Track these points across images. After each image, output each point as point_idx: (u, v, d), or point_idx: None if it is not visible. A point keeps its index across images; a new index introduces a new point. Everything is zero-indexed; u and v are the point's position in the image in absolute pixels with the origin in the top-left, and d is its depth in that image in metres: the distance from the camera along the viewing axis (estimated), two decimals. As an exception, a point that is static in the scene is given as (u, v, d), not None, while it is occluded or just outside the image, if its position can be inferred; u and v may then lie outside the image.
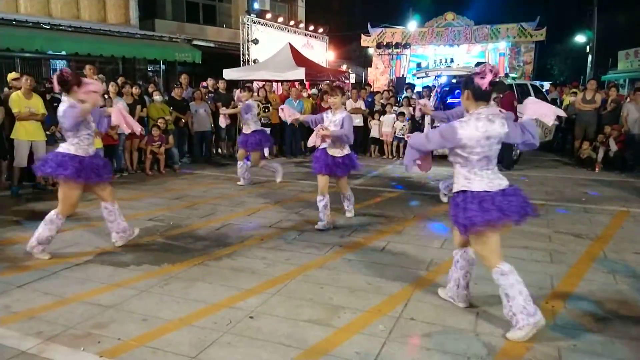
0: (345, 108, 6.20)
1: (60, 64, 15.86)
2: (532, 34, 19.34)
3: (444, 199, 6.46)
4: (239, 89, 10.66)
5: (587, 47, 27.47)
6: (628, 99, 10.09)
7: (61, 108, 4.17)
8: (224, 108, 8.63)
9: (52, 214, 4.33)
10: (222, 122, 8.13)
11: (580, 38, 29.94)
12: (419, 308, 3.39)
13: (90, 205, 6.33)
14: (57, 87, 4.30)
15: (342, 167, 5.39)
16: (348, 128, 5.18)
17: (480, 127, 2.93)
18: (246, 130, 7.58)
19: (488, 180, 3.00)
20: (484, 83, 2.93)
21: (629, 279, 3.93)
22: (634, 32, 24.37)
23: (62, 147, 4.31)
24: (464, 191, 3.02)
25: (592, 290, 3.69)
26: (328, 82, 13.82)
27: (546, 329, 3.07)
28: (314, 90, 13.03)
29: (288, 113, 5.74)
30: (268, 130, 10.79)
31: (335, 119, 5.26)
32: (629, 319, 3.23)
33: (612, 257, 4.48)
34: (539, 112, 3.24)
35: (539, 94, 11.75)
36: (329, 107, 5.50)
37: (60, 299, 3.50)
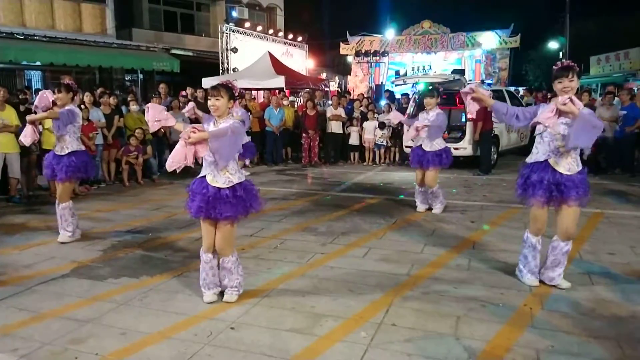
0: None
1: (35, 75, 15.61)
2: (506, 41, 19.76)
3: (421, 209, 6.53)
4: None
5: (560, 53, 28.19)
6: (601, 103, 10.37)
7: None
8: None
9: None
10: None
11: (553, 44, 30.73)
12: (400, 313, 3.41)
13: (67, 218, 6.21)
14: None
15: (432, 161, 6.17)
16: (441, 121, 6.17)
17: None
18: None
19: None
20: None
21: (604, 279, 4.02)
22: (605, 38, 25.14)
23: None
24: None
25: (568, 291, 3.76)
26: (308, 89, 13.89)
27: (525, 330, 3.13)
28: (292, 98, 13.07)
29: (394, 115, 6.93)
30: (249, 138, 10.78)
31: (430, 117, 6.19)
32: (605, 319, 3.31)
33: (587, 258, 4.58)
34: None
35: (514, 100, 12.00)
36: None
37: (36, 314, 3.41)
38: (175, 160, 3.27)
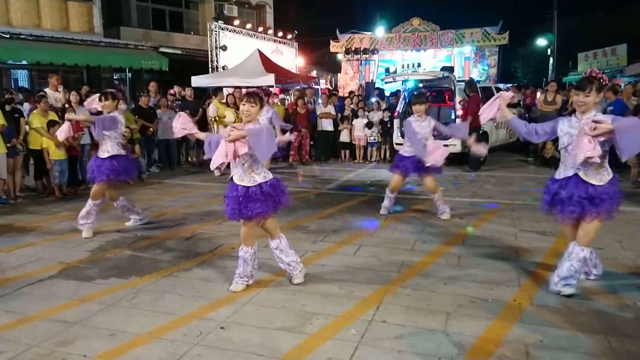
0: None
1: (22, 74, 15.43)
2: (495, 38, 19.86)
3: (383, 212, 6.24)
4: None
5: (549, 50, 28.43)
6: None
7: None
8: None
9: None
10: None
11: (541, 41, 30.97)
12: (391, 310, 3.41)
13: (53, 219, 6.16)
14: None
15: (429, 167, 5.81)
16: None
17: None
18: None
19: None
20: None
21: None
22: (592, 34, 25.37)
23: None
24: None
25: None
26: (299, 88, 13.86)
27: (514, 326, 3.15)
28: (282, 96, 13.03)
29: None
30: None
31: (424, 125, 5.85)
32: (592, 313, 3.34)
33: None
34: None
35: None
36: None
37: (23, 316, 3.37)
38: (217, 157, 3.53)
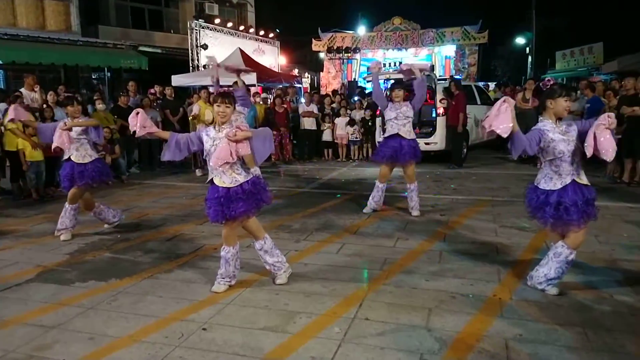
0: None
1: (-4, 73, 15.07)
2: (475, 37, 20.08)
3: (367, 210, 6.25)
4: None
5: (527, 49, 28.86)
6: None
7: None
8: None
9: None
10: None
11: (520, 40, 31.43)
12: (373, 308, 3.43)
13: (30, 222, 6.03)
14: None
15: (408, 152, 5.89)
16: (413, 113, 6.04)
17: None
18: None
19: None
20: None
21: (569, 268, 4.12)
22: (570, 33, 25.84)
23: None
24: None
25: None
26: (281, 86, 13.82)
27: (494, 320, 3.19)
28: (265, 95, 12.97)
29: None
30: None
31: (402, 110, 5.94)
32: (571, 307, 3.40)
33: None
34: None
35: (483, 95, 12.22)
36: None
37: (-1, 322, 3.30)
38: (220, 157, 3.51)
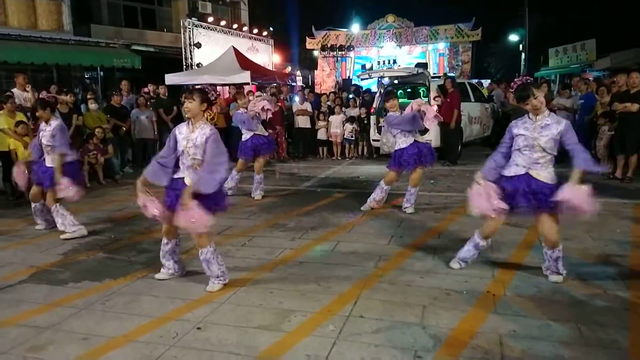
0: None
1: (-12, 73, 14.94)
2: (468, 34, 20.12)
3: (365, 208, 6.25)
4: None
5: (520, 46, 28.95)
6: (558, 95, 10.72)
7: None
8: None
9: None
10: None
11: (513, 37, 31.51)
12: (368, 305, 3.43)
13: (23, 222, 5.99)
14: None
15: (426, 155, 5.99)
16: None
17: None
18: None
19: None
20: None
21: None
22: (562, 30, 25.93)
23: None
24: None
25: (529, 277, 3.87)
26: (275, 84, 13.78)
27: (488, 316, 3.21)
28: (259, 93, 12.94)
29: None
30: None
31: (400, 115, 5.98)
32: (564, 302, 3.42)
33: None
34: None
35: (476, 92, 12.25)
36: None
37: (-8, 323, 3.28)
38: (190, 223, 3.51)
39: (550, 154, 3.63)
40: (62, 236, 5.22)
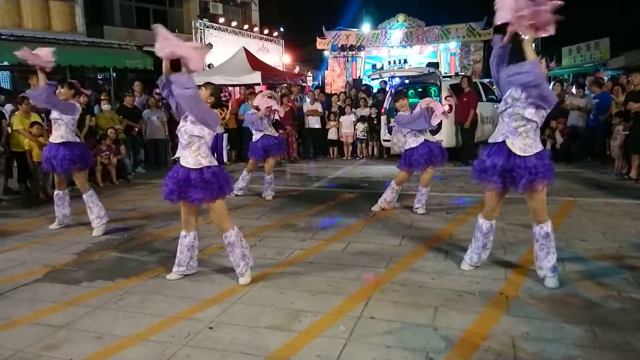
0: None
1: (3, 75, 15.18)
2: (480, 34, 19.98)
3: (376, 208, 6.23)
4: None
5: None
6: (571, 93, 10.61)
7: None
8: None
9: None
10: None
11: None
12: (379, 306, 3.42)
13: (38, 222, 6.08)
14: None
15: (437, 155, 6.00)
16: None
17: None
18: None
19: None
20: None
21: (575, 265, 4.11)
22: (575, 29, 25.61)
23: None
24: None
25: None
26: (286, 85, 13.83)
27: (500, 318, 3.18)
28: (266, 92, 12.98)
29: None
30: (225, 135, 10.69)
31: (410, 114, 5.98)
32: (577, 304, 3.38)
33: (560, 245, 4.63)
34: None
35: (488, 91, 12.16)
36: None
37: (8, 321, 3.32)
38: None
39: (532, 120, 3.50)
40: (95, 233, 5.38)
